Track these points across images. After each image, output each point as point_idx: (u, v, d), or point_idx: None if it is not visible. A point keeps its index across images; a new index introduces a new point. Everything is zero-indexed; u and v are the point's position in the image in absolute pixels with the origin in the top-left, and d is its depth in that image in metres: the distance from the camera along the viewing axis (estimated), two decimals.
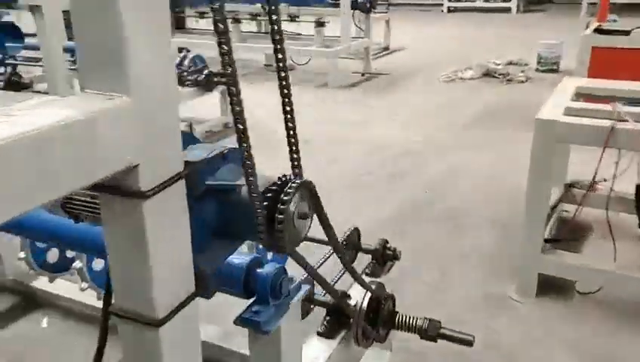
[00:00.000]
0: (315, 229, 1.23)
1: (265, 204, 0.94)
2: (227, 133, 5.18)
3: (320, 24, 7.00)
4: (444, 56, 8.32)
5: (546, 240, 2.66)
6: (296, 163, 1.07)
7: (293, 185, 0.98)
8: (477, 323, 2.49)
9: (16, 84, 3.75)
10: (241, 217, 0.96)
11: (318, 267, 1.71)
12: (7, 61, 4.18)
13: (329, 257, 1.84)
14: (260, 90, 6.76)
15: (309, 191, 1.04)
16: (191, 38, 8.00)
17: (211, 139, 5.01)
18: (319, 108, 6.02)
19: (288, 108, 1.09)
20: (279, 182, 0.99)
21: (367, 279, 1.92)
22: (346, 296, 1.61)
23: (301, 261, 1.12)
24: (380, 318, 1.58)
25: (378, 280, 1.88)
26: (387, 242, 1.98)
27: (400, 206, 3.67)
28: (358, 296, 1.62)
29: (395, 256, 1.95)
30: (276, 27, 0.97)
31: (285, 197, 0.96)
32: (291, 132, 1.06)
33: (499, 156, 4.44)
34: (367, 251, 1.97)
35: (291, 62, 7.80)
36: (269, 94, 6.57)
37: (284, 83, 1.05)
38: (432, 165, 4.35)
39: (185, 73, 4.87)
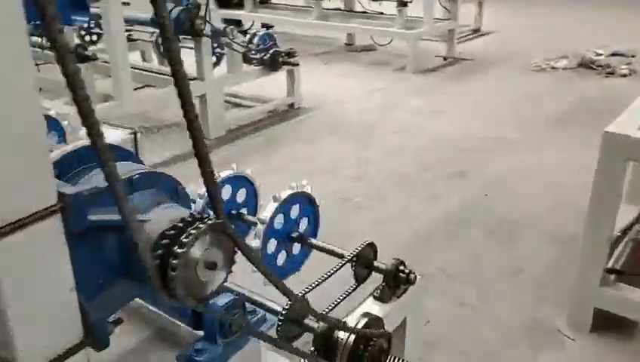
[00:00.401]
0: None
1: (162, 245, 0.78)
2: (291, 114, 5.07)
3: (402, 3, 6.63)
4: (539, 42, 7.64)
5: (608, 270, 2.30)
6: (214, 200, 0.88)
7: (200, 226, 0.81)
8: (514, 360, 2.21)
9: (81, 56, 3.83)
10: (135, 259, 0.81)
11: (309, 290, 1.55)
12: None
13: (325, 278, 1.66)
14: (331, 71, 6.59)
15: (223, 235, 0.86)
16: (274, 14, 7.93)
17: (274, 120, 4.92)
18: (392, 92, 5.74)
19: (197, 133, 0.89)
20: (189, 220, 0.82)
21: (374, 304, 1.73)
22: (336, 326, 1.43)
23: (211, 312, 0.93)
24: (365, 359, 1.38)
25: (386, 306, 1.69)
26: (403, 263, 1.76)
27: (453, 208, 3.38)
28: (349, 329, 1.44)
29: (408, 281, 1.73)
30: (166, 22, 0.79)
31: (185, 239, 0.79)
32: (204, 155, 0.87)
33: (578, 161, 3.97)
34: (378, 270, 1.77)
35: (372, 42, 7.53)
36: (342, 77, 6.44)
37: (184, 93, 0.86)
38: (500, 164, 3.99)
39: (253, 51, 4.78)
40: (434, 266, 2.79)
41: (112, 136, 1.28)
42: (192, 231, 0.79)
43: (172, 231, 0.80)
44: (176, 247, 0.78)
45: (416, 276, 1.74)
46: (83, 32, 5.41)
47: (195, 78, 4.34)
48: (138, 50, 6.07)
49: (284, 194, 1.88)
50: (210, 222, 0.81)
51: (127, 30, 5.82)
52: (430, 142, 4.41)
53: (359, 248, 1.79)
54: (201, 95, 4.35)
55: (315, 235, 2.04)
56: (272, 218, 1.84)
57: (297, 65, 4.82)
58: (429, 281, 2.64)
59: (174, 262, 0.77)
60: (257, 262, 0.93)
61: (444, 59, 6.95)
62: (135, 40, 5.89)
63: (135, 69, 4.58)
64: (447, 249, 2.95)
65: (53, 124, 2.76)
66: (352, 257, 1.77)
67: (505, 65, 6.71)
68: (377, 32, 7.04)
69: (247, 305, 1.25)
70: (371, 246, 1.82)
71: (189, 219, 0.81)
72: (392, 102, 5.41)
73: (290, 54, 4.90)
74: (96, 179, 0.81)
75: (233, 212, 2.13)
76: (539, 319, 2.43)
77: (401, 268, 1.74)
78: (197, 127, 0.81)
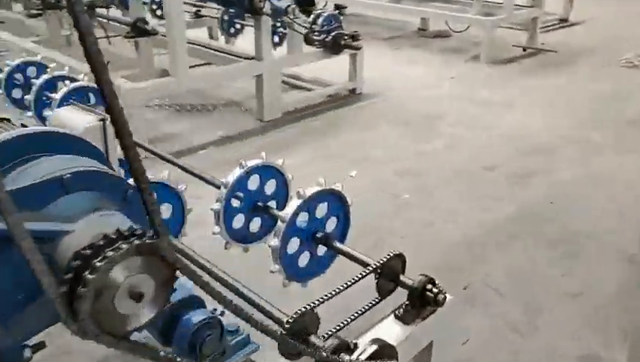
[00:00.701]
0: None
1: (72, 267, 0.64)
2: (352, 100, 4.87)
3: None
4: (635, 35, 6.96)
5: None
6: (150, 214, 0.71)
7: (121, 246, 0.66)
8: None
9: (142, 31, 3.81)
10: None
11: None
12: None
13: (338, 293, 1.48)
14: (399, 56, 6.29)
15: (158, 259, 0.70)
16: None
17: (333, 105, 4.74)
18: (461, 82, 5.40)
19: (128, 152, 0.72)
20: (122, 235, 0.67)
21: (394, 324, 1.54)
22: (342, 349, 1.27)
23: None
24: None
25: (408, 328, 1.50)
26: (432, 281, 1.56)
27: (511, 214, 3.08)
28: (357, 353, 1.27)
29: (435, 302, 1.52)
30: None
31: (99, 263, 0.64)
32: (140, 173, 0.71)
33: None
34: (403, 286, 1.57)
35: (447, 28, 7.15)
36: (410, 63, 6.12)
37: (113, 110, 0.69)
38: (572, 168, 3.62)
39: (316, 33, 4.61)
40: (480, 279, 2.54)
41: (78, 121, 1.17)
42: (110, 254, 0.64)
43: (88, 251, 0.65)
44: (88, 272, 0.64)
45: (445, 297, 1.53)
46: (154, 7, 5.44)
47: (252, 58, 4.24)
48: (205, 26, 6.06)
49: (310, 192, 1.72)
50: (137, 241, 0.66)
51: (195, 6, 5.83)
52: (496, 138, 4.09)
53: (385, 258, 1.60)
54: (258, 75, 4.24)
55: (343, 237, 1.87)
56: (294, 216, 1.69)
57: (360, 48, 4.60)
58: (472, 295, 2.42)
59: (82, 290, 0.63)
60: (220, 298, 0.76)
61: (524, 49, 6.47)
62: (203, 16, 5.87)
63: (196, 45, 4.54)
64: (498, 260, 2.69)
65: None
66: (377, 268, 1.59)
67: (591, 59, 6.15)
68: (452, 17, 6.66)
69: (233, 320, 1.10)
70: (399, 257, 1.62)
71: (126, 233, 0.66)
72: (460, 93, 5.08)
73: (354, 37, 4.69)
74: (30, 172, 0.68)
75: (260, 204, 2.00)
76: (593, 353, 2.14)
77: (429, 286, 1.53)
78: (125, 131, 0.65)
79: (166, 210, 1.92)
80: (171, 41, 3.70)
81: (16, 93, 3.11)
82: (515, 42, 6.59)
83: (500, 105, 4.76)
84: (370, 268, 1.59)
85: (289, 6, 4.42)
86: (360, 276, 1.58)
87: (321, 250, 1.82)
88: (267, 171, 1.99)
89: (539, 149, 3.89)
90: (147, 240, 0.66)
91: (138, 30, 3.80)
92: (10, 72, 3.10)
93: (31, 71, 3.13)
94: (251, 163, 1.93)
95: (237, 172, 1.91)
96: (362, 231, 2.80)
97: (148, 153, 2.29)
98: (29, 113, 2.85)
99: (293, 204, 1.69)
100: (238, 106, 4.68)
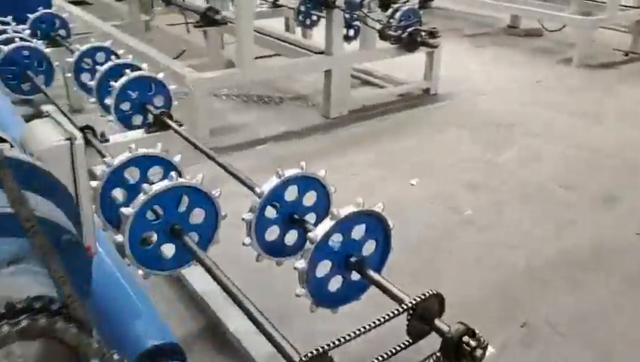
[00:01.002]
0: None
1: None
2: (424, 100, 4.60)
3: None
4: None
5: None
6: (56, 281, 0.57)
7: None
8: None
9: (211, 20, 3.77)
10: None
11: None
12: None
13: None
14: (483, 55, 5.90)
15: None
16: None
17: (403, 104, 4.51)
18: (548, 87, 4.97)
19: None
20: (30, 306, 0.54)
21: None
22: None
23: None
24: None
25: None
26: (472, 332, 1.35)
27: (588, 243, 2.74)
28: None
29: (472, 357, 1.31)
30: None
31: None
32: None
33: None
34: (438, 331, 1.38)
35: (540, 26, 6.64)
36: (494, 63, 5.70)
37: None
38: None
39: (393, 28, 4.38)
40: (542, 317, 2.26)
41: (45, 139, 1.05)
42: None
43: None
44: None
45: (484, 353, 1.32)
46: None
47: (322, 52, 4.09)
48: (283, 16, 5.97)
49: (344, 212, 1.56)
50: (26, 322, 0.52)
51: None
52: (579, 152, 3.70)
53: (421, 297, 1.41)
54: (326, 70, 4.09)
55: (380, 263, 1.69)
56: (324, 238, 1.54)
57: (436, 47, 4.32)
58: (530, 334, 2.16)
59: None
60: None
61: (626, 54, 5.87)
62: (280, 6, 5.78)
63: (265, 35, 4.46)
64: (567, 296, 2.39)
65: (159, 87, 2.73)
66: (409, 307, 1.40)
67: None
68: (547, 15, 6.16)
69: None
70: (437, 297, 1.43)
71: (19, 305, 0.52)
72: (544, 99, 4.67)
73: (432, 34, 4.41)
74: None
75: (296, 216, 1.86)
76: None
77: (466, 338, 1.32)
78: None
79: (199, 215, 1.84)
80: (239, 31, 3.62)
81: (85, 78, 3.15)
82: (616, 46, 6.00)
83: (588, 116, 4.32)
84: (403, 307, 1.41)
85: None
86: (390, 315, 1.40)
87: (356, 275, 1.66)
88: (307, 182, 1.84)
89: (629, 171, 3.47)
90: (41, 318, 0.53)
91: (207, 19, 3.76)
92: (80, 57, 3.15)
93: (99, 56, 3.16)
94: (289, 173, 1.79)
95: (273, 181, 1.78)
96: (412, 248, 2.60)
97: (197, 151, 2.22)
98: (93, 99, 2.88)
99: (325, 225, 1.54)
100: (305, 100, 4.56)
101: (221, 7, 4.36)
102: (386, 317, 1.40)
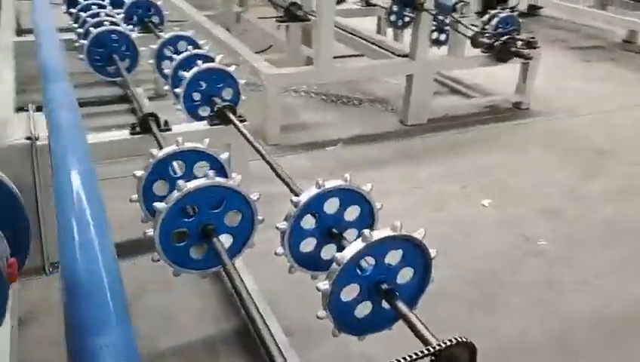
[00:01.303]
0: None
1: None
2: (512, 114, 4.29)
3: None
4: None
5: None
6: None
7: None
8: None
9: (293, 15, 3.72)
10: None
11: None
12: None
13: None
14: (589, 70, 5.41)
15: None
16: None
17: (489, 117, 4.22)
18: None
19: None
20: None
21: None
22: None
23: None
24: None
25: None
26: None
27: None
28: None
29: None
30: None
31: None
32: None
33: None
34: None
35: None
36: (599, 81, 5.21)
37: None
38: None
39: (487, 35, 4.11)
40: None
41: (8, 135, 1.00)
42: None
43: None
44: None
45: None
46: None
47: (405, 55, 3.91)
48: (375, 15, 5.84)
49: (378, 235, 1.42)
50: None
51: None
52: None
53: (448, 343, 1.26)
54: (409, 75, 3.91)
55: (417, 294, 1.54)
56: (350, 261, 1.41)
57: (531, 58, 4.00)
58: None
59: None
60: None
61: None
62: (373, 5, 5.66)
63: (348, 34, 4.35)
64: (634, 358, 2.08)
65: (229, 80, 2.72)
66: (433, 352, 1.25)
67: None
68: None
69: None
70: (467, 346, 1.26)
71: None
72: None
73: (529, 43, 4.10)
74: None
75: (334, 231, 1.74)
76: None
77: None
78: None
79: (234, 216, 1.78)
80: (318, 29, 3.54)
81: (165, 65, 3.22)
82: None
83: None
84: (428, 350, 1.26)
85: (457, 3, 4.00)
86: (411, 357, 1.25)
87: (386, 303, 1.52)
88: (349, 195, 1.72)
89: None
90: None
91: (290, 15, 3.72)
92: (162, 44, 3.22)
93: (181, 45, 3.21)
94: (330, 184, 1.69)
95: (312, 191, 1.68)
96: (474, 275, 2.40)
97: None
98: (166, 87, 2.93)
99: (353, 248, 1.42)
100: (385, 104, 4.40)
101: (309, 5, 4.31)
102: (407, 359, 1.26)
